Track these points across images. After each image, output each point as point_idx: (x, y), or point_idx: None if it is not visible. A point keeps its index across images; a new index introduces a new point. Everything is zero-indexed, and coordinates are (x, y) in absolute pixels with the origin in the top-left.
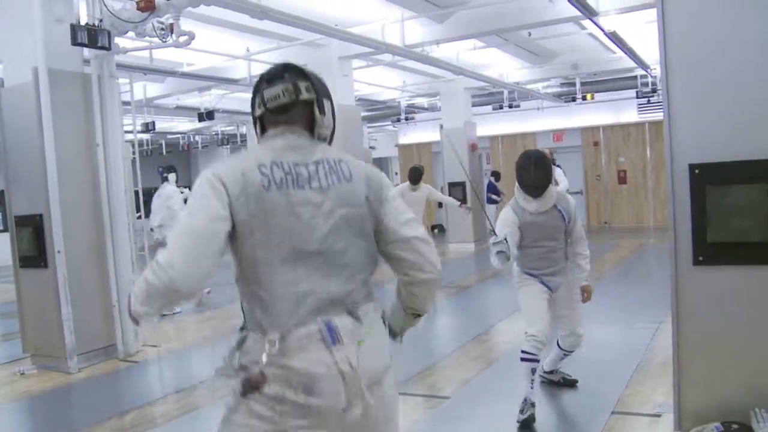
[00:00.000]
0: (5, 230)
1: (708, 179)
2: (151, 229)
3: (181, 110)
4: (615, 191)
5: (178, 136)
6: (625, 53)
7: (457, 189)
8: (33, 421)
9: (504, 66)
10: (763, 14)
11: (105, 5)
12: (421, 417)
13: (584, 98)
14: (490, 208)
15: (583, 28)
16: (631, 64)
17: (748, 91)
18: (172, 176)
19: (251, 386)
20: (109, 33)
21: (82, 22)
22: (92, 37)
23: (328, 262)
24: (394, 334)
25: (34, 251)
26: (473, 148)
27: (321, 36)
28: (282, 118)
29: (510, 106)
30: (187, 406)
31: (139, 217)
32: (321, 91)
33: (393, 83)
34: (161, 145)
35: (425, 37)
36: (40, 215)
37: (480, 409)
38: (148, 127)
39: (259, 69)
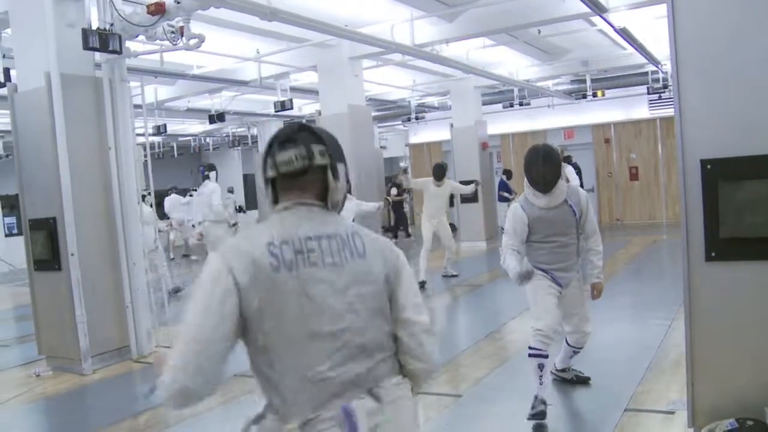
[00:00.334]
0: (20, 234)
1: (720, 175)
2: (193, 225)
3: (192, 112)
4: (627, 188)
5: (190, 138)
6: (636, 49)
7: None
8: (49, 423)
9: (514, 64)
10: None
11: (116, 9)
12: (434, 415)
13: (595, 95)
14: (502, 206)
15: (593, 24)
16: (642, 60)
17: (760, 85)
18: (212, 174)
19: None
20: (120, 37)
21: (94, 27)
22: (103, 41)
23: (344, 344)
24: None
25: (48, 254)
26: (484, 146)
27: (331, 37)
28: (295, 183)
29: (520, 104)
30: (200, 407)
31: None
32: (335, 154)
33: (403, 83)
34: (173, 147)
35: (435, 36)
36: (54, 218)
37: (493, 408)
38: (160, 130)
39: (270, 70)
